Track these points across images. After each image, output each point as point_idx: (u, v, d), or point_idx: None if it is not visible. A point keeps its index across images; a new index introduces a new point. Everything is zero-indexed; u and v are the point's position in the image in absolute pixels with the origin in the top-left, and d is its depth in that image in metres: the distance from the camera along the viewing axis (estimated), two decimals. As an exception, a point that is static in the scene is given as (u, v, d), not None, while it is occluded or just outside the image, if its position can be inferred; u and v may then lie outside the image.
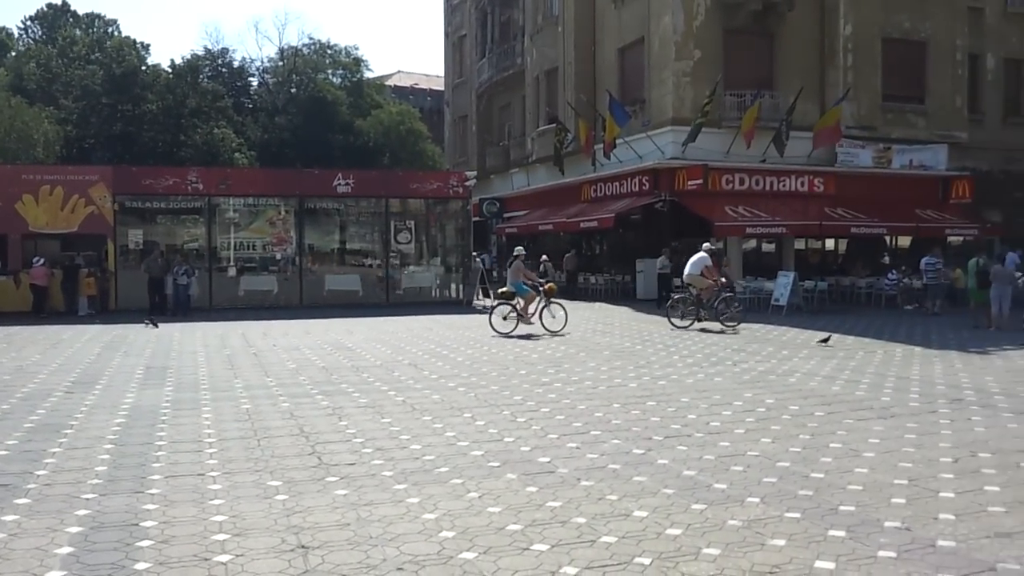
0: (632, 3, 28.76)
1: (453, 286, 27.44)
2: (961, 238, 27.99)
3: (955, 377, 12.02)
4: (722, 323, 18.64)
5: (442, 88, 54.83)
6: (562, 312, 18.33)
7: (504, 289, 18.55)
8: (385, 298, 25.78)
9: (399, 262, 27.10)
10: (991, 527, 5.57)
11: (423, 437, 8.13)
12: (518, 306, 18.04)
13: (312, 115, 54.31)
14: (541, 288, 18.48)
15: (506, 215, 38.06)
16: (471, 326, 19.60)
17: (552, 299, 18.27)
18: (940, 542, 5.29)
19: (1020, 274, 21.14)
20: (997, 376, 12.14)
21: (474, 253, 29.60)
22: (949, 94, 28.69)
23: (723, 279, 20.18)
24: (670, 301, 19.87)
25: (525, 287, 18.24)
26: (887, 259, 27.66)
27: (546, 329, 17.96)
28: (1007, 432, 8.47)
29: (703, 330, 18.32)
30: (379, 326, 19.58)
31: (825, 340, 15.87)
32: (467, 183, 27.13)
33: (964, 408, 9.71)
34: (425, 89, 74.01)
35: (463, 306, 25.56)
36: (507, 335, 17.29)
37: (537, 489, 6.39)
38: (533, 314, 18.18)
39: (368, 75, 62.79)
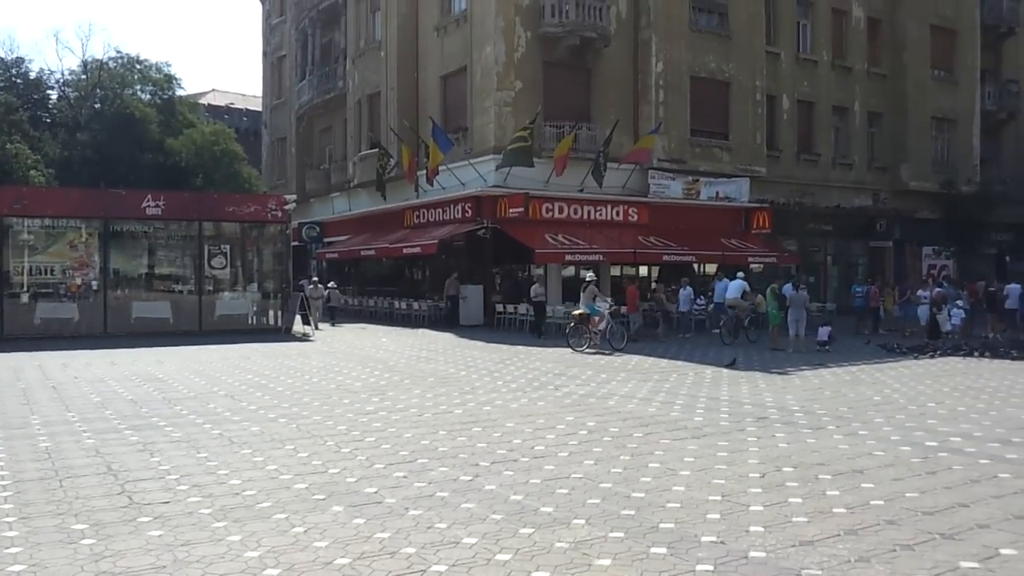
0: (455, 32, 29.16)
1: (271, 313, 26.59)
2: (761, 266, 29.95)
3: (760, 397, 12.80)
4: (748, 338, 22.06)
5: (259, 108, 53.46)
6: (622, 331, 20.65)
7: (579, 311, 20.43)
8: (198, 326, 24.62)
9: (213, 288, 26.01)
10: (796, 536, 5.94)
11: (243, 471, 7.80)
12: (591, 326, 20.18)
13: (118, 132, 51.32)
14: (608, 310, 20.59)
15: (327, 240, 37.46)
16: (291, 354, 19.07)
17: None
18: (752, 553, 5.59)
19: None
20: (796, 395, 13.02)
21: (315, 278, 28.87)
22: (750, 131, 30.77)
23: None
24: (723, 323, 22.39)
25: (597, 308, 20.31)
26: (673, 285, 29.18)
27: (612, 347, 19.74)
28: (807, 447, 9.08)
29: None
30: (192, 355, 18.67)
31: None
32: (286, 207, 26.45)
33: (768, 426, 10.34)
34: (241, 109, 71.75)
35: (282, 333, 24.83)
36: (584, 351, 19.44)
37: (365, 521, 6.26)
38: (602, 332, 20.16)
39: (180, 93, 60.07)
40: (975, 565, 5.38)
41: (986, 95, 37.93)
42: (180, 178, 51.28)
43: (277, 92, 45.79)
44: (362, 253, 32.57)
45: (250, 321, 26.13)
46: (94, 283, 24.22)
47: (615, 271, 29.52)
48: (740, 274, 23.70)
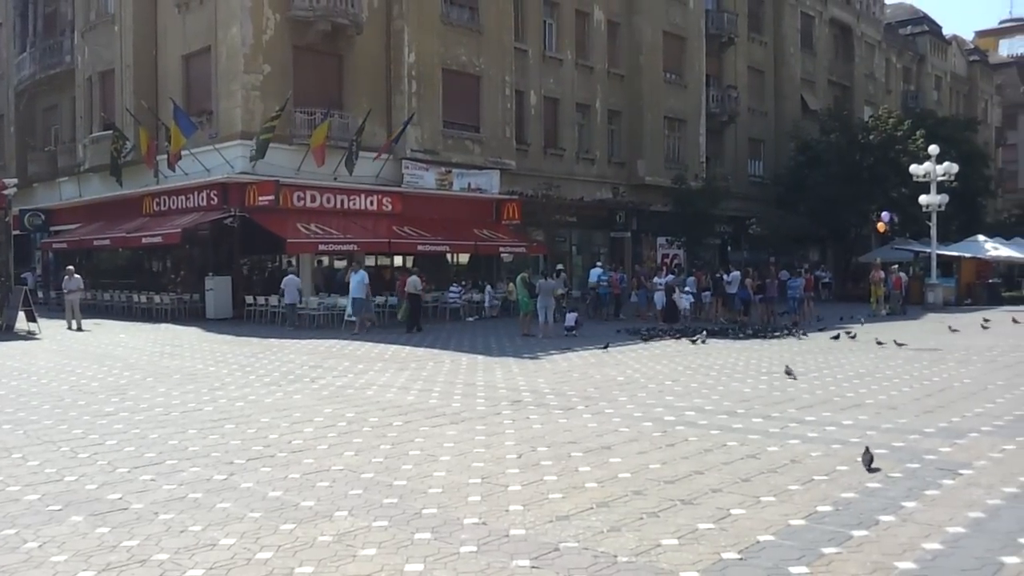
0: (198, 10, 27.63)
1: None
2: (512, 256, 30.89)
3: (514, 381, 13.23)
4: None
5: (-30, 82, 47.99)
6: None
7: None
8: None
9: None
10: (553, 512, 6.21)
11: (-39, 484, 7.01)
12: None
13: None
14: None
15: (53, 228, 34.31)
16: (13, 354, 17.33)
17: None
18: (512, 531, 5.78)
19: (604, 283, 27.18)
20: (547, 378, 13.59)
21: (70, 268, 25.69)
22: (500, 125, 31.59)
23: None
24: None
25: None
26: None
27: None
28: (559, 427, 9.51)
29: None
30: None
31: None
32: (5, 191, 23.94)
33: (523, 408, 10.71)
34: (-53, 82, 64.05)
35: (2, 332, 22.49)
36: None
37: (109, 529, 5.84)
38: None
39: None
40: (711, 526, 5.89)
41: (711, 98, 41.33)
42: None
43: (-9, 64, 41.30)
44: (95, 243, 30.16)
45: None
46: None
47: (370, 261, 29.33)
48: (598, 263, 27.72)
